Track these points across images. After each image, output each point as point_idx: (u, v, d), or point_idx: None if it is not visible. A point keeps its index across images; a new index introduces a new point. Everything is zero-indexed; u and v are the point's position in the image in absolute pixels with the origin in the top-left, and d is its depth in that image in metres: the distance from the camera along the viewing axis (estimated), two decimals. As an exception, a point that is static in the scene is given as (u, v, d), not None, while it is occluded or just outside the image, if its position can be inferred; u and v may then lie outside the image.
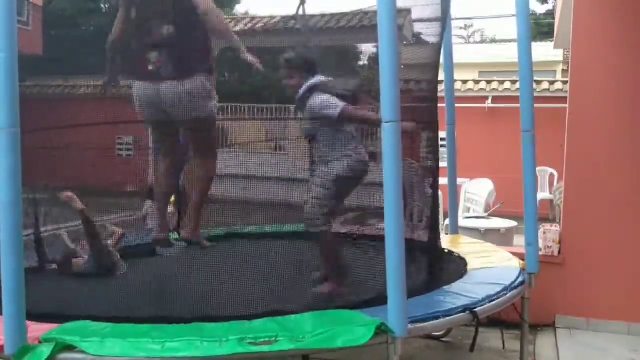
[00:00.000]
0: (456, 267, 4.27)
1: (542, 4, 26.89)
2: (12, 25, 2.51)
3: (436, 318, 3.18)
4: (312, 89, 3.78)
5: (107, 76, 3.71)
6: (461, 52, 17.06)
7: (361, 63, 6.38)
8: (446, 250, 4.70)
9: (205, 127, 3.33)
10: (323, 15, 6.81)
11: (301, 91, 3.81)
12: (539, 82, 12.14)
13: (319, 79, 3.82)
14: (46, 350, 2.53)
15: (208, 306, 3.17)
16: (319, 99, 3.76)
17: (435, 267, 3.95)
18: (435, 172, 4.32)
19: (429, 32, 4.31)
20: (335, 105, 3.73)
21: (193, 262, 3.76)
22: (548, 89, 12.21)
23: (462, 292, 3.61)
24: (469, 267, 4.24)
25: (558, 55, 17.98)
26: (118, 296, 3.50)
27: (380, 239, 2.80)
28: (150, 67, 3.11)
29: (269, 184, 4.31)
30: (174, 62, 3.09)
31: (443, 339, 4.79)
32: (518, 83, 4.07)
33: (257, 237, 4.64)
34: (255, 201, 4.46)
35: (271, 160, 4.62)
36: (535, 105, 3.99)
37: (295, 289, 3.50)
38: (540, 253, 4.48)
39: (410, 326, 2.86)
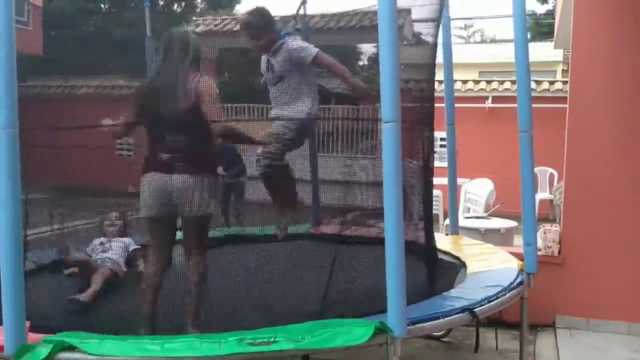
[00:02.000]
0: (455, 271, 4.26)
1: (542, 4, 26.88)
2: (10, 25, 2.51)
3: (435, 318, 3.17)
4: (287, 37, 4.17)
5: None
6: (461, 52, 17.07)
7: (361, 63, 6.38)
8: (445, 252, 4.69)
9: (205, 223, 3.40)
10: (323, 16, 6.81)
11: (278, 42, 4.15)
12: (539, 82, 12.13)
13: (289, 29, 4.27)
14: (45, 350, 2.53)
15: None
16: (295, 43, 4.15)
17: (431, 271, 3.95)
18: (430, 172, 4.32)
19: (427, 32, 4.32)
20: (310, 48, 4.13)
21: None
22: (548, 89, 12.20)
23: (461, 294, 3.62)
24: (468, 270, 4.24)
25: (558, 55, 17.97)
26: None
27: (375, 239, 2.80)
28: (164, 159, 3.24)
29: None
30: (186, 161, 3.23)
31: (443, 339, 4.79)
32: (518, 83, 4.07)
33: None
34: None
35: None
36: (536, 105, 3.99)
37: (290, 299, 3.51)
38: (540, 253, 4.48)
39: (409, 326, 2.86)
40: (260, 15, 4.17)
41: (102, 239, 4.26)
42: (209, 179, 3.28)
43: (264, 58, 4.32)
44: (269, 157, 4.07)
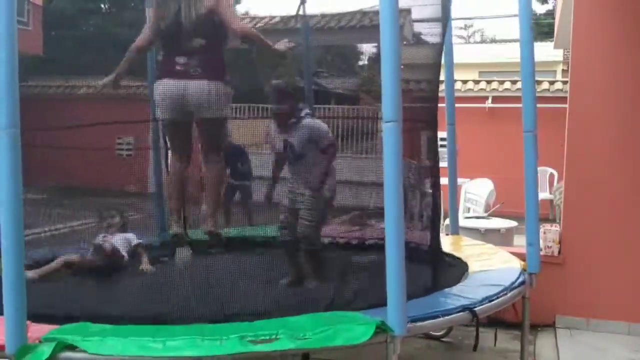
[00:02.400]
0: (456, 270, 4.26)
1: (542, 4, 26.88)
2: (12, 25, 2.52)
3: (436, 317, 3.18)
4: (302, 117, 3.98)
5: (119, 73, 3.88)
6: (461, 52, 17.05)
7: (361, 63, 6.38)
8: (447, 253, 4.69)
9: (221, 128, 3.59)
10: (323, 15, 6.81)
11: (299, 115, 3.98)
12: (539, 82, 12.11)
13: (307, 109, 4.08)
14: (47, 349, 2.53)
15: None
16: (314, 123, 4.02)
17: (435, 269, 3.95)
18: (435, 172, 4.32)
19: (429, 32, 4.31)
20: (326, 133, 4.02)
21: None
22: (548, 89, 12.20)
23: (462, 293, 3.61)
24: (470, 270, 4.24)
25: (558, 55, 17.97)
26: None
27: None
28: (178, 68, 3.34)
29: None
30: (203, 66, 3.34)
31: (443, 339, 4.80)
32: (518, 83, 4.09)
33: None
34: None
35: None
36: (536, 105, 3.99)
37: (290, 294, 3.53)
38: (540, 253, 4.48)
39: (409, 325, 2.86)
40: (295, 89, 4.22)
41: (103, 234, 4.28)
42: (223, 84, 3.41)
43: (273, 133, 4.10)
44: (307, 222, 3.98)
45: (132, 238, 4.28)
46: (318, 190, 3.93)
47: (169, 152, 3.79)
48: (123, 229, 4.39)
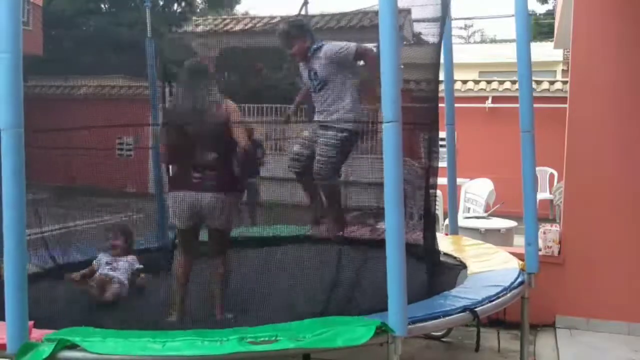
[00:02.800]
0: (456, 271, 4.26)
1: (542, 4, 26.88)
2: (17, 25, 2.52)
3: (437, 318, 3.18)
4: (321, 43, 4.19)
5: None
6: (461, 52, 17.06)
7: (361, 63, 6.36)
8: (446, 254, 4.69)
9: (228, 234, 3.82)
10: (323, 15, 6.82)
11: (312, 49, 4.20)
12: (539, 82, 12.13)
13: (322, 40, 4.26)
14: (48, 348, 2.53)
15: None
16: (332, 45, 4.19)
17: (434, 271, 3.95)
18: (434, 172, 4.32)
19: (428, 32, 4.31)
20: (347, 45, 4.16)
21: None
22: (548, 89, 12.20)
23: (462, 293, 3.62)
24: (469, 270, 4.24)
25: (558, 55, 17.99)
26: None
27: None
28: (195, 181, 3.58)
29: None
30: (217, 180, 3.58)
31: (443, 339, 4.80)
32: (518, 83, 4.07)
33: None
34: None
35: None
36: (535, 105, 3.99)
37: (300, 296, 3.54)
38: (540, 253, 4.49)
39: (410, 326, 2.87)
40: (295, 25, 4.32)
41: (108, 257, 4.25)
42: (234, 196, 3.69)
43: (302, 66, 4.35)
44: (322, 163, 4.15)
45: (134, 262, 4.27)
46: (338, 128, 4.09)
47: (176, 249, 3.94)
48: (129, 248, 4.38)
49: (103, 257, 4.24)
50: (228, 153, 3.59)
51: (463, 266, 4.41)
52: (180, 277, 3.65)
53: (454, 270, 4.31)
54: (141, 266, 4.27)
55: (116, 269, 4.12)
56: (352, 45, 4.18)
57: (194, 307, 3.60)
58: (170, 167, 3.93)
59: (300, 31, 4.26)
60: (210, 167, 3.56)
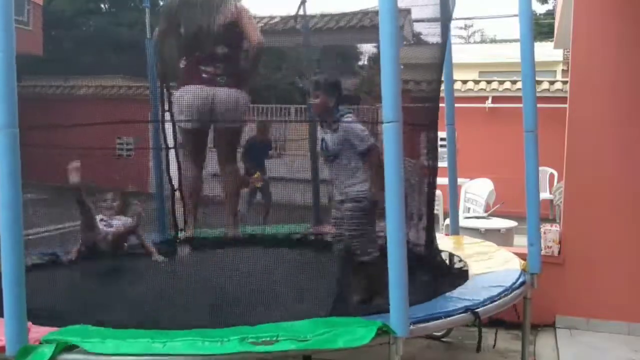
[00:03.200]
0: (457, 272, 4.26)
1: (542, 4, 26.92)
2: (10, 24, 2.51)
3: (438, 318, 3.17)
4: (348, 116, 3.82)
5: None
6: (461, 52, 17.08)
7: (361, 63, 6.37)
8: (447, 254, 4.69)
9: (240, 135, 3.74)
10: (323, 16, 6.81)
11: (339, 112, 3.81)
12: (539, 82, 12.11)
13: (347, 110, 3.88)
14: (47, 350, 2.53)
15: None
16: (357, 126, 3.80)
17: (435, 271, 3.95)
18: (434, 172, 4.32)
19: (429, 32, 4.31)
20: (367, 138, 3.76)
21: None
22: (548, 89, 12.19)
23: (463, 294, 3.61)
24: (471, 270, 4.23)
25: (558, 55, 17.99)
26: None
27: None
28: (205, 75, 3.40)
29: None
30: (228, 74, 3.43)
31: (444, 339, 4.79)
32: (518, 83, 4.08)
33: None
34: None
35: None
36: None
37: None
38: (540, 253, 4.48)
39: (412, 326, 2.86)
40: (336, 83, 3.92)
41: (101, 216, 4.30)
42: (246, 92, 3.50)
43: (320, 130, 4.07)
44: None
45: (127, 221, 4.32)
46: (357, 199, 3.76)
47: (177, 156, 3.79)
48: (120, 212, 4.41)
49: (97, 216, 4.29)
50: (239, 48, 3.44)
51: (464, 266, 4.41)
52: (189, 181, 3.47)
53: (454, 270, 4.31)
54: (135, 224, 4.32)
55: (111, 225, 4.21)
56: (369, 141, 3.78)
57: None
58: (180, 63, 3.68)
59: (333, 87, 3.87)
60: (220, 61, 3.38)
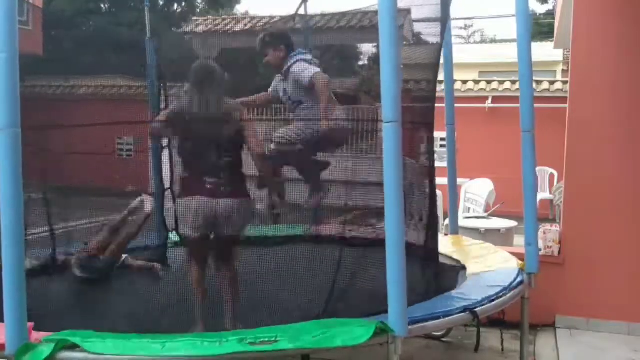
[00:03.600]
0: (456, 272, 4.26)
1: (542, 4, 26.90)
2: (13, 25, 2.51)
3: (436, 318, 3.18)
4: (296, 59, 4.08)
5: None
6: (461, 52, 17.04)
7: (361, 63, 6.37)
8: (446, 254, 4.69)
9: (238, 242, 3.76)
10: (323, 15, 6.81)
11: (288, 63, 4.08)
12: (539, 82, 12.13)
13: (300, 52, 4.15)
14: (47, 349, 2.53)
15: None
16: (300, 65, 4.06)
17: (434, 271, 3.95)
18: (432, 172, 4.32)
19: (429, 32, 4.31)
20: (309, 70, 4.01)
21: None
22: (548, 89, 12.20)
23: (462, 294, 3.62)
24: (469, 270, 4.24)
25: (558, 55, 17.99)
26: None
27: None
28: (208, 186, 3.43)
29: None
30: (231, 184, 3.47)
31: (443, 339, 4.79)
32: (518, 83, 4.07)
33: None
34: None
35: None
36: (536, 105, 3.99)
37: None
38: (540, 253, 4.49)
39: (410, 326, 2.86)
40: (276, 34, 4.23)
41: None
42: (248, 201, 3.58)
43: (276, 79, 4.29)
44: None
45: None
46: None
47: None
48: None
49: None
50: (241, 157, 3.52)
51: (463, 266, 4.41)
52: (197, 290, 3.55)
53: (454, 271, 4.31)
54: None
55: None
56: (309, 72, 4.01)
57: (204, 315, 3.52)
58: (179, 172, 3.75)
59: (274, 39, 4.15)
60: (225, 171, 3.45)
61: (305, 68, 4.05)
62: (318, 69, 4.04)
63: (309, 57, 4.19)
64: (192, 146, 3.54)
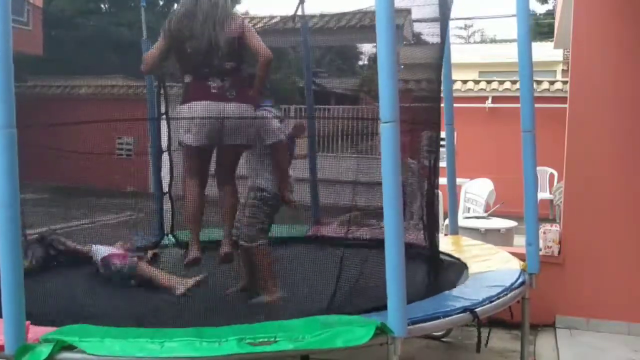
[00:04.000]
0: (456, 272, 4.25)
1: (542, 4, 26.89)
2: (7, 24, 2.50)
3: (436, 318, 3.17)
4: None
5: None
6: (461, 52, 17.07)
7: (360, 63, 6.37)
8: (446, 254, 4.68)
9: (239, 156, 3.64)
10: (323, 15, 6.81)
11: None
12: (539, 82, 12.13)
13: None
14: (45, 349, 2.52)
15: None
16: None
17: (434, 271, 3.94)
18: (435, 173, 4.31)
19: (429, 32, 4.30)
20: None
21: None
22: (548, 89, 12.20)
23: (462, 294, 3.60)
24: (469, 270, 4.23)
25: (558, 55, 17.98)
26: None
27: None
28: (213, 91, 3.29)
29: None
30: (237, 89, 3.34)
31: (443, 339, 4.79)
32: (518, 83, 4.06)
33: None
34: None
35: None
36: (535, 105, 3.98)
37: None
38: (540, 253, 4.48)
39: (410, 326, 2.86)
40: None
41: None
42: (254, 107, 3.41)
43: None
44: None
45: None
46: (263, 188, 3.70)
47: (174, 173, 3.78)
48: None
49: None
50: (246, 61, 3.39)
51: (463, 266, 4.41)
52: (193, 215, 3.38)
53: (454, 270, 4.30)
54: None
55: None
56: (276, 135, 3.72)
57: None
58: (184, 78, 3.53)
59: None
60: (228, 75, 3.30)
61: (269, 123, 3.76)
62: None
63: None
64: (195, 46, 3.38)
